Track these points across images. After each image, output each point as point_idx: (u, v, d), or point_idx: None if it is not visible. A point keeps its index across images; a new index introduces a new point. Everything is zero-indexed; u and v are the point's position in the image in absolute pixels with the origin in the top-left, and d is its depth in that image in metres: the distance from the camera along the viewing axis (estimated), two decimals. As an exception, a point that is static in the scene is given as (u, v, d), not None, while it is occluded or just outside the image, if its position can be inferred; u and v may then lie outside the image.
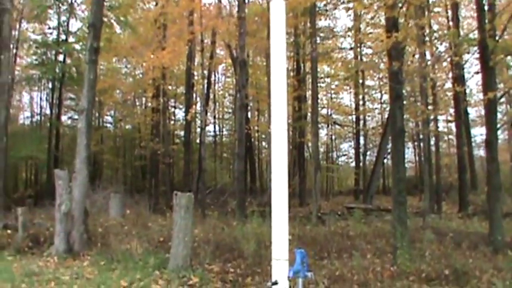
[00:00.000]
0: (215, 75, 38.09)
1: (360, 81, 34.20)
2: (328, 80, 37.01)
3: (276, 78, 4.88)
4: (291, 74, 30.66)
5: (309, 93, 28.84)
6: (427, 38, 18.97)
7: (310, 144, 30.28)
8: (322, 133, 39.98)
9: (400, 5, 10.49)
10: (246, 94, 23.49)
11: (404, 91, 15.79)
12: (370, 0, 14.46)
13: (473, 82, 46.19)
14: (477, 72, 29.57)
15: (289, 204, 4.55)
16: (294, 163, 31.16)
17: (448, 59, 20.44)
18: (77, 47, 29.49)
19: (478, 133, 33.83)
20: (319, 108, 29.22)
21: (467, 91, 28.69)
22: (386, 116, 35.26)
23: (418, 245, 11.03)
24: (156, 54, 22.70)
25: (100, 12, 14.15)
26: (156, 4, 26.35)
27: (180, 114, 39.59)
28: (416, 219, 17.26)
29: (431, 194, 19.14)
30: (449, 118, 33.12)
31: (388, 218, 19.68)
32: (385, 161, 33.99)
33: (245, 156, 24.56)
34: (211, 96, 36.64)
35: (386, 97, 37.62)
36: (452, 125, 33.39)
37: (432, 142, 23.96)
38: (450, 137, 35.86)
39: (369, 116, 38.73)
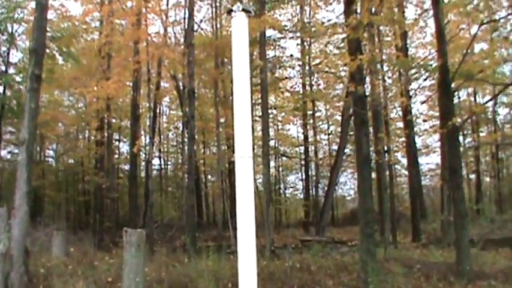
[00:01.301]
0: (160, 108, 37.30)
1: (310, 112, 34.13)
2: (274, 111, 36.78)
3: (239, 99, 4.53)
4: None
5: (256, 124, 28.50)
6: (378, 66, 18.83)
7: (257, 176, 29.81)
8: (270, 165, 39.64)
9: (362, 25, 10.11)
10: (195, 125, 22.81)
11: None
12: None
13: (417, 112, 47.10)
14: (423, 102, 30.20)
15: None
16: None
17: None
18: (18, 78, 28.21)
19: (424, 162, 34.50)
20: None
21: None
22: (334, 147, 35.39)
23: (386, 278, 10.50)
24: (101, 85, 21.92)
25: (42, 38, 13.30)
26: (100, 34, 25.56)
27: (124, 147, 38.64)
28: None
29: (387, 224, 18.81)
30: (395, 148, 33.53)
31: (344, 250, 19.33)
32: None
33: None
34: (157, 129, 35.86)
35: (332, 128, 38.01)
36: (398, 155, 33.94)
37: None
38: (396, 166, 36.09)
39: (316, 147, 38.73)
